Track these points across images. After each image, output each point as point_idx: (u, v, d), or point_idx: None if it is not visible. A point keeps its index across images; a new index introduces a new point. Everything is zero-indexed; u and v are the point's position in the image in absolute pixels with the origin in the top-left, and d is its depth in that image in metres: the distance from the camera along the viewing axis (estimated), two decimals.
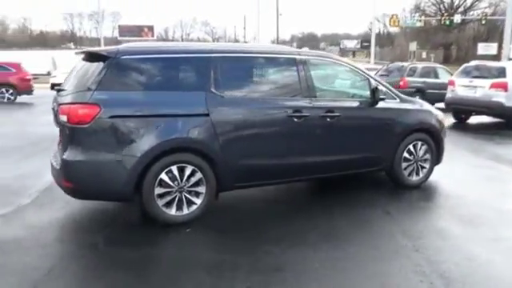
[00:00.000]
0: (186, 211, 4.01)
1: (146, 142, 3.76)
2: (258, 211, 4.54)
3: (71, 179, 3.74)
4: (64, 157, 3.73)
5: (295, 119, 4.36)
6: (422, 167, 5.28)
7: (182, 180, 3.95)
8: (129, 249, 3.61)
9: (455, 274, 3.15)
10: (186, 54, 4.17)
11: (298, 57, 4.54)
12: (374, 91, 4.77)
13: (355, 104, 4.88)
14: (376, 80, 4.99)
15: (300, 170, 4.54)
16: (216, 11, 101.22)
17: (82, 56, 4.19)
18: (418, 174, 5.26)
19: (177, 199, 3.96)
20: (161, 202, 3.90)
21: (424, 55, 46.22)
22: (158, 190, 3.87)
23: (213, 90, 4.05)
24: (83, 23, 73.76)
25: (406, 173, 5.17)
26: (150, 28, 48.71)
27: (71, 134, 3.73)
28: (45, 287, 2.97)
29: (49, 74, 27.05)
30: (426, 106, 5.53)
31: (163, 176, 3.87)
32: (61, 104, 3.86)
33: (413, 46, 49.97)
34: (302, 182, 5.25)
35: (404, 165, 5.13)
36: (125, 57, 3.87)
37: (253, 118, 4.22)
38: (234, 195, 4.54)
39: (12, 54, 35.31)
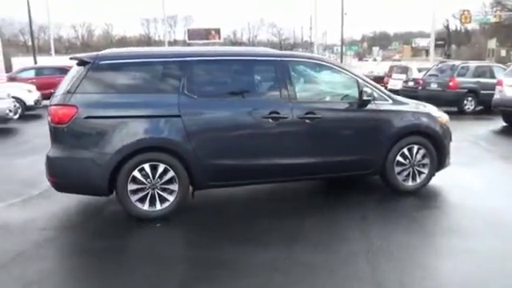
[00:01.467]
0: (158, 207, 4.23)
1: (118, 141, 4.04)
2: (232, 210, 4.64)
3: (53, 174, 4.13)
4: (47, 154, 4.13)
5: (271, 120, 4.40)
6: (420, 172, 5.03)
7: (154, 177, 4.17)
8: (100, 239, 3.92)
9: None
10: (161, 58, 4.41)
11: (278, 59, 4.58)
12: (361, 93, 4.65)
13: (340, 106, 4.79)
14: (365, 82, 4.86)
15: (279, 171, 4.57)
16: (283, 12, 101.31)
17: (76, 61, 4.58)
18: (414, 179, 5.03)
19: (149, 195, 4.20)
20: (134, 198, 4.16)
21: (503, 53, 42.76)
22: (131, 186, 4.13)
23: (185, 93, 4.23)
24: (158, 28, 77.70)
25: (400, 177, 4.97)
26: (217, 31, 50.31)
27: (53, 132, 4.12)
28: (8, 269, 3.34)
29: None
30: (426, 108, 5.26)
31: (136, 173, 4.13)
32: (49, 106, 4.27)
33: (491, 44, 46.48)
34: (289, 183, 5.24)
35: (398, 169, 4.93)
36: (103, 62, 4.18)
37: (225, 119, 4.33)
38: (213, 193, 4.70)
39: None
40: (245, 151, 4.42)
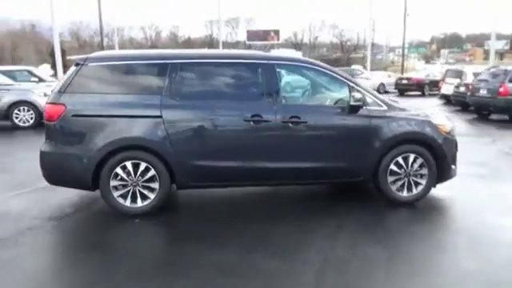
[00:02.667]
0: (139, 204, 4.39)
1: (102, 139, 4.25)
2: (209, 211, 4.71)
3: (44, 168, 4.43)
4: (40, 148, 4.44)
5: (253, 124, 4.40)
6: (417, 183, 4.77)
7: (136, 175, 4.34)
8: (80, 230, 4.19)
9: None
10: (146, 60, 4.57)
11: (263, 62, 4.56)
12: (350, 98, 4.51)
13: (327, 110, 4.67)
14: (357, 87, 4.69)
15: (261, 175, 4.55)
16: (345, 13, 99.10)
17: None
18: (410, 190, 4.77)
19: (131, 192, 4.38)
20: (116, 194, 4.36)
21: None
22: (114, 183, 4.33)
23: (168, 94, 4.36)
24: (221, 29, 79.48)
25: (393, 187, 4.74)
26: (276, 32, 50.43)
27: (46, 129, 4.42)
28: None
29: None
30: (426, 115, 4.95)
31: (118, 170, 4.32)
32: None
33: None
34: (277, 187, 5.20)
35: (391, 178, 4.71)
36: (92, 63, 4.42)
37: (206, 121, 4.39)
38: (196, 193, 4.78)
39: None
40: (226, 154, 4.45)
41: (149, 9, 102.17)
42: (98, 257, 3.59)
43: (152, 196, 4.40)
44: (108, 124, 4.28)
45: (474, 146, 8.49)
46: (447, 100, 17.12)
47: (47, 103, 4.43)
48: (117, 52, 5.07)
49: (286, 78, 4.70)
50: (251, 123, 4.40)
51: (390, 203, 4.75)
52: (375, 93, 4.85)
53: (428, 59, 75.57)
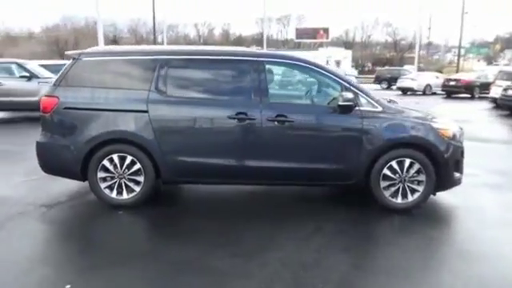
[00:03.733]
0: (125, 196, 4.49)
1: (90, 132, 4.38)
2: (188, 207, 4.77)
3: (39, 157, 4.62)
4: (36, 139, 4.64)
5: (237, 121, 4.35)
6: (413, 190, 4.50)
7: (122, 168, 4.44)
8: (66, 220, 4.34)
9: None
10: (136, 56, 4.62)
11: (252, 59, 4.49)
12: (339, 98, 4.34)
13: (316, 110, 4.51)
14: (351, 86, 4.49)
15: (246, 174, 4.49)
16: (400, 11, 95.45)
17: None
18: (405, 196, 4.52)
19: (117, 184, 4.48)
20: (103, 185, 4.47)
21: None
22: (101, 174, 4.45)
23: (155, 89, 4.40)
24: (271, 27, 79.43)
25: (387, 193, 4.51)
26: (326, 30, 49.67)
27: (42, 120, 4.61)
28: None
29: None
30: (426, 118, 4.66)
31: (105, 162, 4.43)
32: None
33: None
34: (267, 186, 5.11)
35: (384, 183, 4.48)
36: (85, 58, 4.56)
37: (191, 117, 4.39)
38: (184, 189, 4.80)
39: None
40: (210, 151, 4.43)
41: (202, 6, 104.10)
42: (71, 244, 3.72)
43: (137, 189, 4.48)
44: (97, 117, 4.40)
45: (506, 153, 7.90)
46: (496, 103, 16.05)
47: (43, 96, 4.63)
48: (110, 47, 5.18)
49: (276, 76, 4.58)
50: (235, 121, 4.35)
51: (384, 209, 4.51)
52: (371, 93, 4.61)
53: (490, 60, 71.25)
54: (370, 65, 59.15)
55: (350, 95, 4.33)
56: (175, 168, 4.44)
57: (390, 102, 5.33)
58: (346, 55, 50.14)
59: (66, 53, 4.79)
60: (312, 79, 4.72)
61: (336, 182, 4.60)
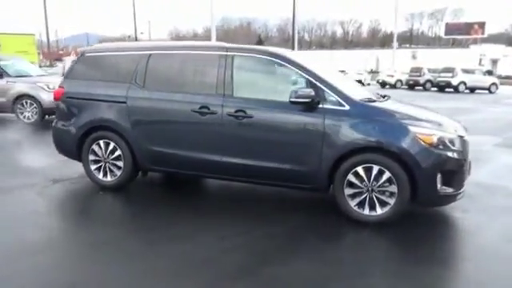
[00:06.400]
0: (109, 178, 4.96)
1: (82, 118, 4.95)
2: (160, 196, 5.01)
3: (53, 139, 5.36)
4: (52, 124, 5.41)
5: (199, 115, 4.41)
6: (383, 202, 3.95)
7: (106, 153, 4.91)
8: (62, 195, 5.00)
9: None
10: (125, 51, 5.00)
11: (221, 53, 4.46)
12: (292, 93, 4.04)
13: (277, 106, 4.23)
14: (318, 83, 4.11)
15: (207, 167, 4.51)
16: None
17: None
18: (373, 208, 3.99)
19: (103, 167, 4.97)
20: (93, 167, 5.01)
21: None
22: (91, 157, 5.00)
23: (134, 83, 4.74)
24: (423, 23, 73.69)
25: (352, 202, 4.05)
26: (481, 25, 43.99)
27: (56, 107, 5.36)
28: None
29: (372, 71, 35.87)
30: (405, 119, 3.98)
31: (94, 147, 4.96)
32: None
33: None
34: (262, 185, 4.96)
35: (349, 191, 4.04)
36: (88, 54, 5.14)
37: (161, 110, 4.60)
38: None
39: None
40: (177, 143, 4.58)
41: (350, 3, 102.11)
42: (58, 218, 4.33)
43: (118, 173, 4.90)
44: (89, 106, 4.94)
45: None
46: None
47: (58, 86, 5.38)
48: (111, 44, 5.65)
49: (244, 70, 4.45)
50: (198, 114, 4.41)
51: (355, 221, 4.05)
52: (343, 90, 4.15)
53: None
54: None
55: (306, 91, 4.00)
56: (148, 157, 4.72)
57: (384, 97, 4.77)
58: (506, 53, 43.83)
59: (78, 49, 5.46)
60: (282, 74, 4.46)
61: (296, 184, 4.29)
